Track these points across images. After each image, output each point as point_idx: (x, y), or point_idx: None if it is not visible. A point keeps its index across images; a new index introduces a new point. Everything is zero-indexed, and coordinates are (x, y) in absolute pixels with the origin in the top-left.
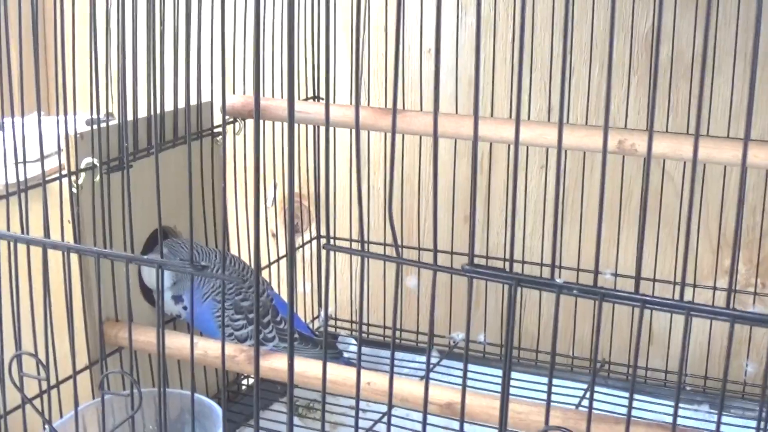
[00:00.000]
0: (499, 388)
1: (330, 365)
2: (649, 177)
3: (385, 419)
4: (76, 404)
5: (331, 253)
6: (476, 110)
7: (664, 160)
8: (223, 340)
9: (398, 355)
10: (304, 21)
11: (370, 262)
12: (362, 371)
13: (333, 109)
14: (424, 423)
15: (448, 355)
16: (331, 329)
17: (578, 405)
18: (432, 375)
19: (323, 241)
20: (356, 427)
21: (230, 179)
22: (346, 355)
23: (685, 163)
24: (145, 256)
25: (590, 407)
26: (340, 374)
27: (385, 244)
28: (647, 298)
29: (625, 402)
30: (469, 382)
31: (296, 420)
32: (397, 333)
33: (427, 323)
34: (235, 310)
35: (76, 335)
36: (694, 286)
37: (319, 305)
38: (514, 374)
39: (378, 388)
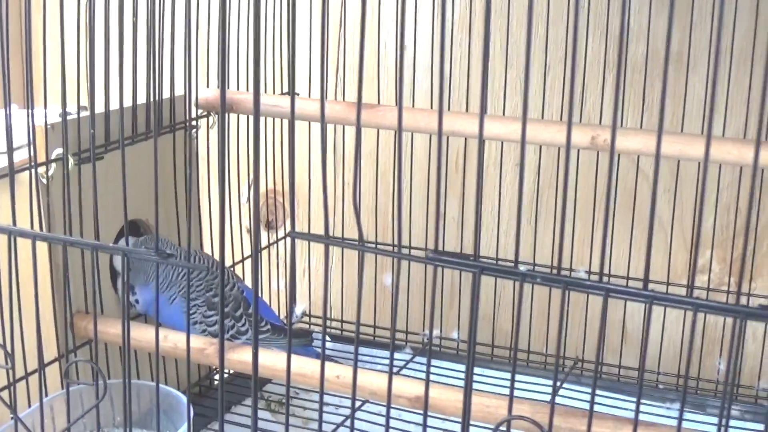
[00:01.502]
0: (475, 385)
1: (301, 359)
2: (611, 168)
3: (356, 414)
4: (41, 395)
5: (299, 243)
6: (440, 98)
7: (638, 158)
8: (188, 331)
9: (374, 351)
10: (280, 16)
11: (346, 259)
12: (333, 365)
13: (307, 103)
14: (387, 416)
15: (422, 351)
16: (305, 326)
17: (551, 401)
18: (406, 371)
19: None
20: (320, 420)
21: (204, 173)
22: (319, 350)
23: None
24: (111, 244)
25: (553, 397)
26: (311, 367)
27: (360, 240)
28: (611, 286)
29: (598, 399)
30: (443, 379)
31: (270, 416)
32: (373, 330)
33: (404, 320)
34: (208, 307)
35: (47, 327)
36: (668, 284)
37: (294, 300)
38: (489, 371)
39: (348, 381)
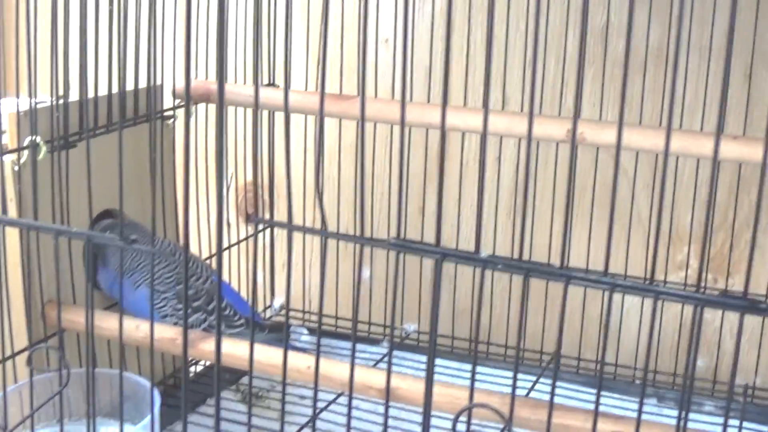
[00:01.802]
0: (449, 378)
1: (273, 349)
2: (573, 161)
3: (330, 407)
4: (4, 385)
5: (278, 236)
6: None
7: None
8: (152, 318)
9: (349, 344)
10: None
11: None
12: (303, 356)
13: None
14: (349, 406)
15: (399, 345)
16: (283, 318)
17: (526, 396)
18: (382, 365)
19: (278, 228)
20: (282, 410)
21: (182, 164)
22: (296, 343)
23: (638, 155)
24: (75, 229)
25: (513, 388)
26: (281, 360)
27: (338, 234)
28: (572, 273)
29: (573, 394)
30: (418, 373)
31: (245, 408)
32: (349, 323)
33: (381, 314)
34: (178, 300)
35: (17, 316)
36: (645, 279)
37: (272, 294)
38: (463, 365)
39: (322, 373)
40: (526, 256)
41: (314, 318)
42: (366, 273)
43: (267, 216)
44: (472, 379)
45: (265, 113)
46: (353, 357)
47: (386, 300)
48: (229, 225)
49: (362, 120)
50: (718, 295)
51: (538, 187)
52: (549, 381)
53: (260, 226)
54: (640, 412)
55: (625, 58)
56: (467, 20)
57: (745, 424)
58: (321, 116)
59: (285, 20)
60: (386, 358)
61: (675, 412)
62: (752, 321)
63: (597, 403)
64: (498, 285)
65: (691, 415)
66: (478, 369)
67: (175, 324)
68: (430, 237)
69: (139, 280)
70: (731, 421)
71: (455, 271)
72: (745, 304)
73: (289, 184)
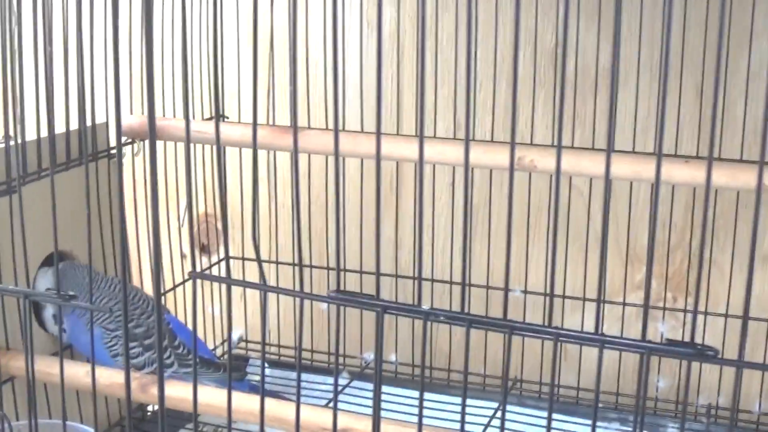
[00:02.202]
0: (412, 408)
1: (220, 392)
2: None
3: None
4: None
5: (235, 266)
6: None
7: (570, 176)
8: (93, 366)
9: (310, 377)
10: (204, 38)
11: (282, 281)
12: (254, 397)
13: (232, 128)
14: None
15: (359, 376)
16: (242, 352)
17: (487, 424)
18: (342, 397)
19: (231, 261)
20: None
21: (131, 202)
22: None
23: (592, 179)
24: (12, 287)
25: (462, 424)
26: (241, 402)
27: (293, 264)
28: (515, 324)
29: (537, 420)
30: (381, 404)
31: None
32: (310, 354)
33: (342, 344)
34: (129, 338)
35: None
36: (603, 301)
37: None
38: (426, 395)
39: (276, 415)
40: (483, 281)
41: (273, 350)
42: (323, 305)
43: (222, 247)
44: (420, 418)
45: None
46: (298, 401)
47: (345, 329)
48: (183, 257)
49: (296, 154)
50: (664, 343)
51: (493, 211)
52: (510, 407)
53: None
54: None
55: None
56: (415, 46)
57: None
58: (254, 157)
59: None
60: (346, 390)
61: None
62: (714, 339)
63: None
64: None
65: None
66: (440, 398)
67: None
68: (388, 266)
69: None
70: None
71: (413, 298)
72: (691, 351)
73: (225, 236)
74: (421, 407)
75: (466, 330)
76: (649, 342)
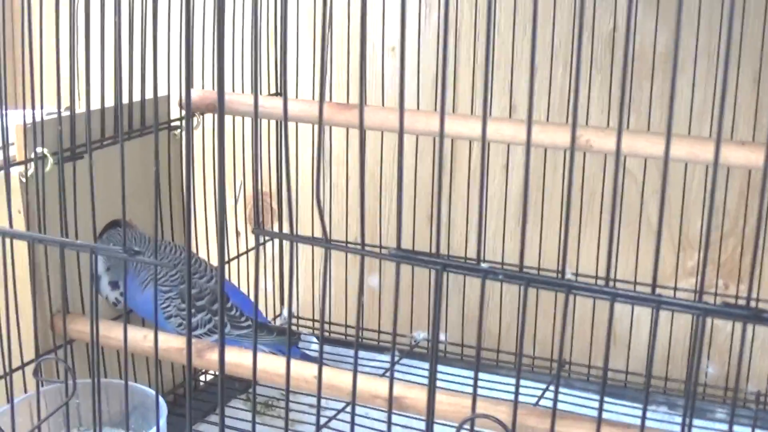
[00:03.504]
0: (460, 387)
1: (277, 359)
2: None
3: (340, 416)
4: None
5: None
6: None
7: (625, 159)
8: (156, 332)
9: (360, 353)
10: (267, 17)
11: (333, 262)
12: (309, 365)
13: (292, 104)
14: (353, 417)
15: (408, 354)
16: (293, 328)
17: (536, 404)
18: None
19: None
20: (286, 420)
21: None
22: (307, 351)
23: (646, 161)
24: (79, 242)
25: (516, 396)
26: (295, 369)
27: (346, 242)
28: (573, 283)
29: (584, 402)
30: (427, 381)
31: (257, 418)
32: (360, 332)
33: (390, 322)
34: (182, 299)
35: (26, 327)
36: (655, 286)
37: (281, 303)
38: (472, 373)
39: (326, 382)
40: (534, 264)
41: (324, 327)
42: (374, 281)
43: (276, 225)
44: (475, 388)
45: (274, 123)
46: (356, 366)
47: (395, 309)
48: (238, 234)
49: (361, 128)
50: (720, 304)
51: (546, 195)
52: (560, 389)
53: (262, 239)
54: (643, 418)
55: (624, 64)
56: (473, 27)
57: (759, 431)
58: (320, 125)
59: (280, 29)
60: (395, 367)
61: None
62: (765, 327)
63: (600, 409)
64: (507, 293)
65: (703, 423)
66: (490, 377)
67: (180, 325)
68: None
69: (146, 279)
70: (744, 429)
71: (464, 279)
72: (747, 313)
73: (289, 195)
74: (477, 363)
75: (524, 289)
76: (706, 303)
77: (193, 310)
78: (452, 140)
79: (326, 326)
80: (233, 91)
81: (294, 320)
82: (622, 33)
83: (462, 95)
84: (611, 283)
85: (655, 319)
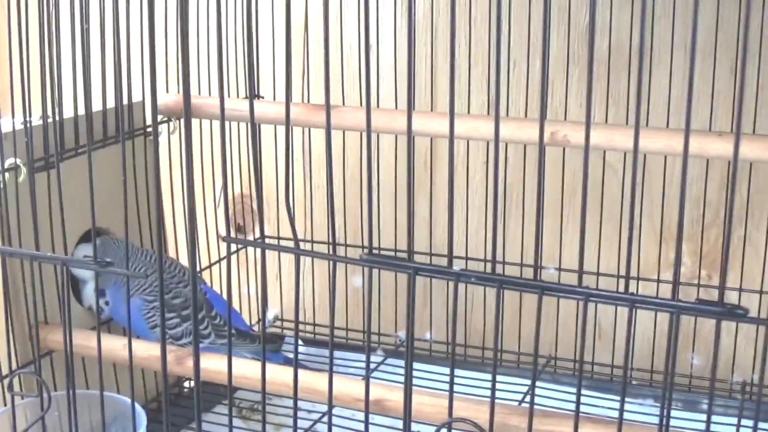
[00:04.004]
0: (446, 386)
1: (256, 364)
2: (588, 168)
3: (325, 418)
4: None
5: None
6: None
7: (604, 152)
8: (129, 340)
9: (345, 354)
10: (240, 20)
11: (317, 263)
12: (289, 369)
13: (267, 106)
14: (329, 421)
15: (393, 354)
16: (277, 330)
17: (521, 401)
18: (377, 374)
19: (267, 240)
20: (263, 423)
21: (167, 179)
22: (290, 354)
23: (625, 154)
24: (50, 254)
25: (492, 394)
26: (275, 374)
27: (329, 243)
28: (546, 284)
29: (571, 397)
30: (414, 381)
31: (240, 422)
32: (345, 333)
33: (375, 322)
34: (167, 309)
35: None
36: (638, 279)
37: (265, 306)
38: (460, 371)
39: (310, 387)
40: (517, 260)
41: (308, 329)
42: (358, 281)
43: (258, 227)
44: (451, 389)
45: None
46: (331, 369)
47: (380, 307)
48: (220, 237)
49: (328, 130)
50: (693, 301)
51: (527, 190)
52: (544, 385)
53: (234, 247)
54: (621, 411)
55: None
56: (449, 25)
57: (745, 421)
58: (287, 126)
59: (246, 30)
60: (380, 367)
61: (673, 412)
62: None
63: (578, 403)
64: (491, 290)
65: (691, 414)
66: (475, 375)
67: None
68: (422, 245)
69: (131, 288)
70: (732, 420)
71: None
72: (720, 310)
73: (260, 201)
74: (452, 364)
75: (498, 291)
76: (680, 301)
77: (178, 320)
78: (431, 138)
79: (311, 328)
80: (210, 95)
81: (278, 323)
82: (598, 26)
83: (441, 94)
84: (597, 279)
85: (630, 318)
